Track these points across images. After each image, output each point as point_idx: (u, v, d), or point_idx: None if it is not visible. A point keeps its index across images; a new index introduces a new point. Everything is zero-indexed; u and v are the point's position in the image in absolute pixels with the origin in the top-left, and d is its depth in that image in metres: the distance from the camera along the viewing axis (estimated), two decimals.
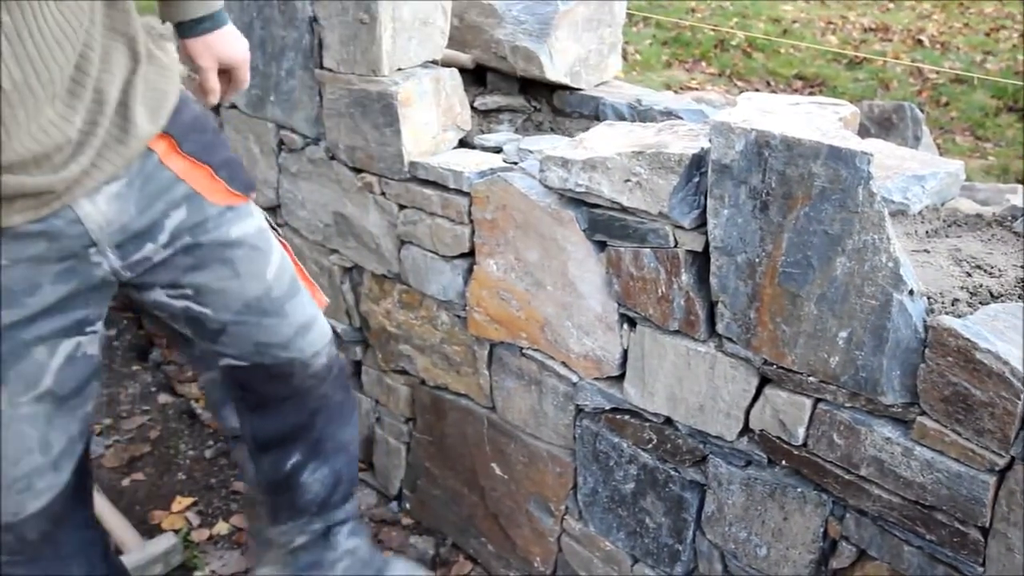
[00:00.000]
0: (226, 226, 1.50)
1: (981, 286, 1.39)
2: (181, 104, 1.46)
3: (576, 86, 2.26)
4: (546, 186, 1.74)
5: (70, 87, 1.26)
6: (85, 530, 1.67)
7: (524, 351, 1.95)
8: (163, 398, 2.91)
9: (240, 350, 1.58)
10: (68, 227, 1.32)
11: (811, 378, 1.46)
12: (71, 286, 1.36)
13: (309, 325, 1.63)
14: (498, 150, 2.03)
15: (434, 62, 2.05)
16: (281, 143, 2.32)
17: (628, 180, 1.57)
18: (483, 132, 2.20)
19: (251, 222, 1.55)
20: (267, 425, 1.67)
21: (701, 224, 1.52)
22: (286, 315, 1.59)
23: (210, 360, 1.64)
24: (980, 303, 1.36)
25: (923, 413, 1.35)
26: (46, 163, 1.25)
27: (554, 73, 2.19)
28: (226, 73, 1.63)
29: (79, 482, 1.57)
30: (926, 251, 1.50)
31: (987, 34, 7.09)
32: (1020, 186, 2.15)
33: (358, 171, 2.12)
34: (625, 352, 1.74)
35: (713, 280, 1.53)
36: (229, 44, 1.60)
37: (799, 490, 1.57)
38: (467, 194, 1.90)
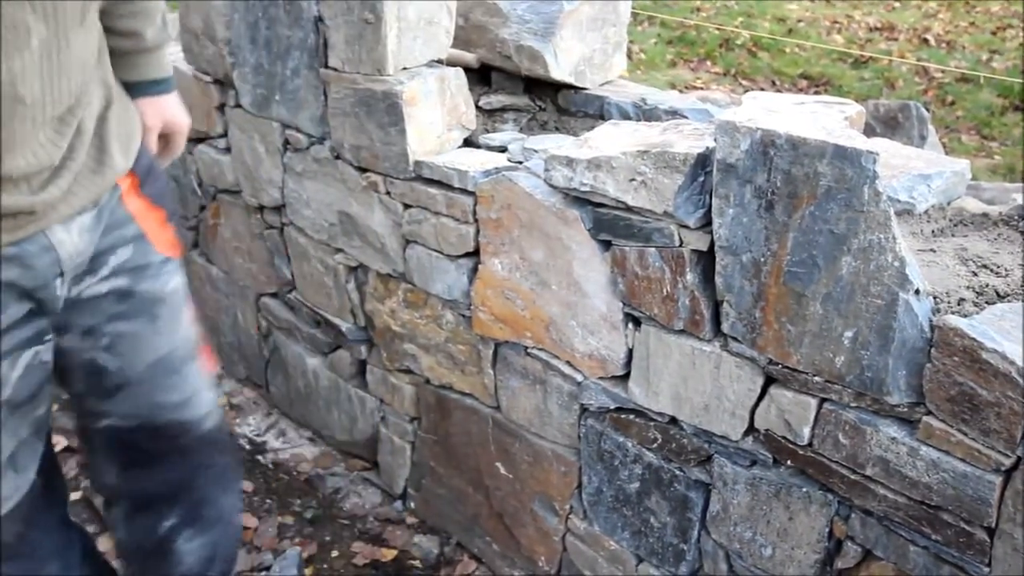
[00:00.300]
0: (164, 277, 1.52)
1: (987, 286, 1.39)
2: (142, 147, 1.51)
3: (581, 85, 2.26)
4: (551, 185, 1.74)
5: (63, 114, 1.29)
6: (61, 530, 1.66)
7: (529, 350, 1.95)
8: None
9: (132, 410, 1.56)
10: (41, 254, 1.32)
11: (816, 378, 1.46)
12: (33, 305, 1.37)
13: (203, 387, 1.64)
14: (503, 149, 2.03)
15: (439, 61, 2.05)
16: (286, 142, 2.33)
17: (633, 179, 1.57)
18: (488, 131, 2.21)
19: (179, 278, 1.58)
20: (147, 480, 1.63)
21: (706, 223, 1.52)
22: (186, 376, 1.60)
23: (87, 421, 1.59)
24: (986, 303, 1.35)
25: (929, 413, 1.35)
26: (24, 184, 1.26)
27: (559, 72, 2.19)
28: (163, 138, 1.66)
29: (47, 483, 1.56)
30: (932, 250, 1.50)
31: (993, 33, 7.07)
32: None
33: (363, 170, 2.12)
34: (630, 351, 1.74)
35: (718, 279, 1.53)
36: (177, 109, 1.66)
37: (804, 490, 1.56)
38: (472, 193, 1.90)
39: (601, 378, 1.82)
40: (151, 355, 1.55)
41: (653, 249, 1.61)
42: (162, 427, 1.59)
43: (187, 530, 1.67)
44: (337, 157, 2.18)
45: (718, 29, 6.72)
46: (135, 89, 1.56)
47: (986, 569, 1.35)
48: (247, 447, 2.72)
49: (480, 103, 2.27)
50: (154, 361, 1.55)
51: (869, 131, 3.02)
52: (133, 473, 1.64)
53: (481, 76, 2.36)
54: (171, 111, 1.64)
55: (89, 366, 1.50)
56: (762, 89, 5.70)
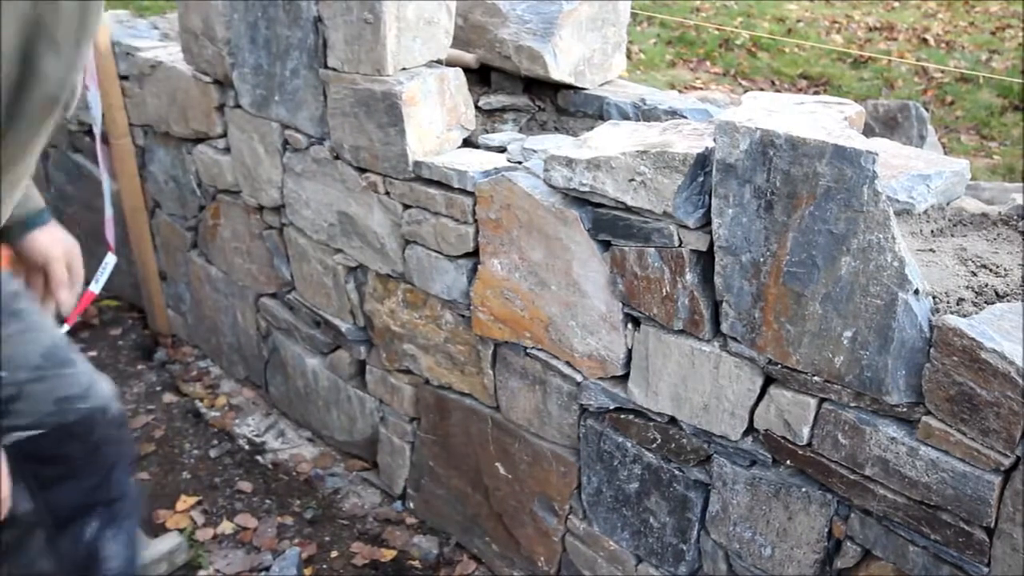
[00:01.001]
0: (10, 282, 1.48)
1: (987, 285, 1.39)
2: None
3: (580, 85, 2.26)
4: (550, 185, 1.74)
5: None
6: None
7: (528, 351, 1.95)
8: (168, 397, 2.92)
9: (36, 415, 1.51)
10: None
11: (816, 378, 1.46)
12: None
13: (97, 374, 1.61)
14: (502, 150, 2.03)
15: (438, 62, 2.05)
16: (286, 143, 2.33)
17: (632, 179, 1.57)
18: (487, 132, 2.20)
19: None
20: (67, 494, 1.60)
21: (706, 223, 1.52)
22: (77, 363, 1.57)
23: None
24: (986, 303, 1.35)
25: (928, 413, 1.35)
26: None
27: (558, 72, 2.19)
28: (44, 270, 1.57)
29: None
30: (931, 250, 1.50)
31: (992, 33, 7.06)
32: None
33: (362, 171, 2.12)
34: (629, 352, 1.74)
35: (717, 280, 1.53)
36: (64, 234, 1.58)
37: (804, 490, 1.56)
38: (471, 194, 1.90)
39: (600, 378, 1.82)
40: (35, 352, 1.49)
41: (652, 249, 1.60)
42: (75, 424, 1.55)
43: (110, 530, 1.66)
44: (336, 157, 2.18)
45: (718, 29, 6.71)
46: (31, 222, 1.50)
47: (985, 569, 1.35)
48: (246, 447, 2.72)
49: (479, 103, 2.27)
50: (42, 356, 1.50)
51: (868, 131, 3.02)
52: (50, 492, 1.60)
53: (480, 76, 2.36)
54: (63, 235, 1.57)
55: None
56: (761, 89, 5.70)
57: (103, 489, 1.64)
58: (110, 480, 1.64)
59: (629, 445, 1.83)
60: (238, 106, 2.42)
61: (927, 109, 4.39)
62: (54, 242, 1.53)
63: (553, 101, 2.34)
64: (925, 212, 1.57)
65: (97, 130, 2.78)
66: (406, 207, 2.07)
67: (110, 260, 2.71)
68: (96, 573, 1.67)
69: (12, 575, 1.57)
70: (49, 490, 1.61)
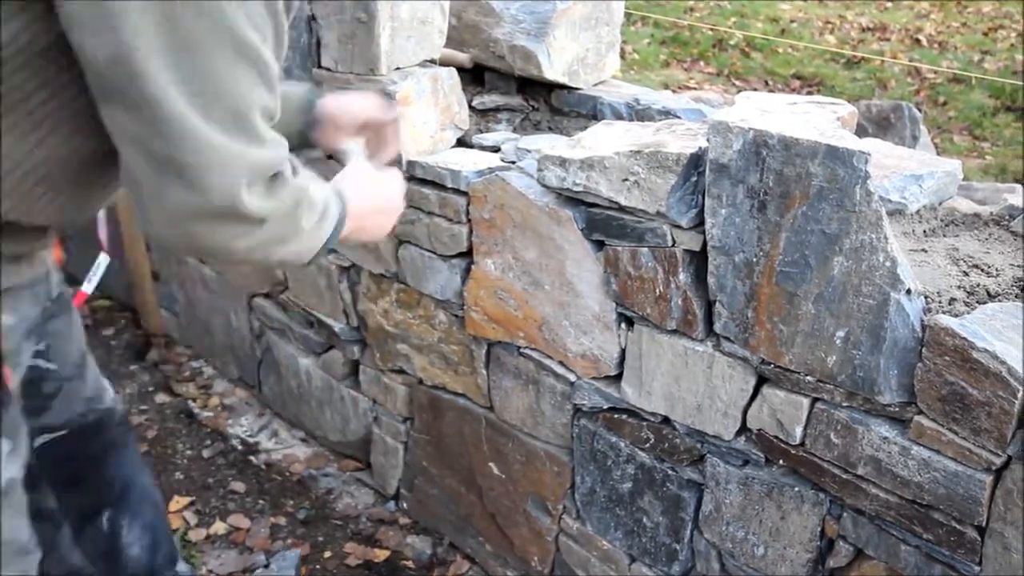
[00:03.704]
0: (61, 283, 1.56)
1: (978, 285, 1.39)
2: None
3: (574, 85, 2.26)
4: (544, 185, 1.74)
5: None
6: None
7: (522, 350, 1.95)
8: (160, 398, 2.91)
9: (66, 414, 1.57)
10: (45, 278, 1.37)
11: (808, 377, 1.46)
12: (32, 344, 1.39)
13: (99, 372, 1.67)
14: (496, 149, 2.03)
15: (432, 61, 2.05)
16: None
17: (626, 179, 1.57)
18: (481, 131, 2.20)
19: None
20: (82, 491, 1.66)
21: (699, 223, 1.52)
22: (92, 366, 1.63)
23: None
24: (977, 302, 1.36)
25: (920, 412, 1.35)
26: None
27: (552, 72, 2.19)
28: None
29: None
30: (924, 250, 1.50)
31: (985, 33, 7.09)
32: (1018, 185, 2.15)
33: None
34: (623, 351, 1.75)
35: (711, 279, 1.53)
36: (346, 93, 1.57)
37: (796, 489, 1.57)
38: (465, 193, 1.90)
39: (594, 378, 1.82)
40: (77, 349, 1.56)
41: (646, 249, 1.61)
42: (92, 425, 1.60)
43: (124, 518, 1.70)
44: (330, 157, 2.17)
45: (711, 29, 6.72)
46: (312, 97, 1.57)
47: (977, 568, 1.36)
48: (239, 447, 2.71)
49: (473, 103, 2.27)
50: (80, 354, 1.56)
51: (861, 131, 3.03)
52: (74, 491, 1.64)
53: (474, 76, 2.36)
54: (347, 95, 1.63)
55: (30, 375, 1.44)
56: (755, 89, 5.71)
57: (113, 485, 1.69)
58: (119, 473, 1.69)
59: (622, 445, 1.83)
60: None
61: (920, 109, 4.40)
62: (350, 99, 1.53)
63: (547, 101, 2.34)
64: (917, 212, 1.58)
65: None
66: None
67: (103, 260, 2.70)
68: (119, 561, 1.71)
69: (49, 573, 1.60)
70: (73, 491, 1.65)
